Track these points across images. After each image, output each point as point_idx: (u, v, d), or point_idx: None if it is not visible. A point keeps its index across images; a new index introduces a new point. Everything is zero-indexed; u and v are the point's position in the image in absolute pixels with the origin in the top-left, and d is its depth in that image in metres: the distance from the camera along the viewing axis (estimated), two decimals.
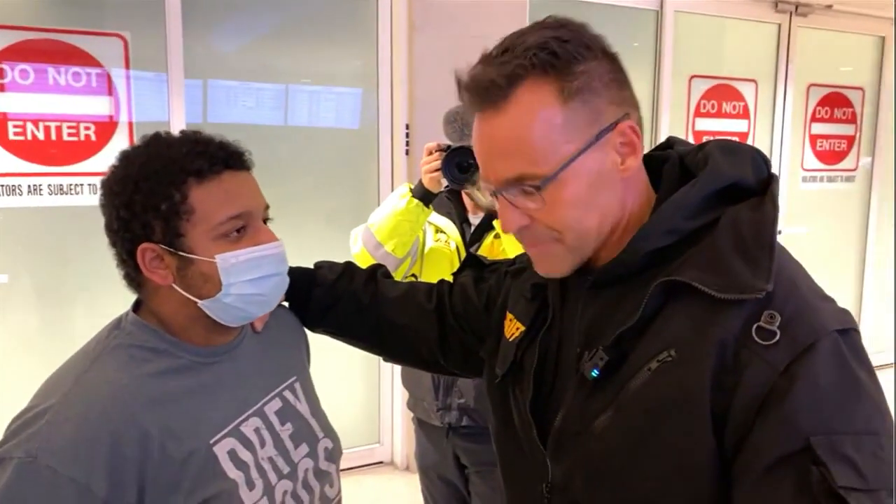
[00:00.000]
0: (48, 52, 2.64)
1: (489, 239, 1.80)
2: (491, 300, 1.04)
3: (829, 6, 4.30)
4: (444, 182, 1.72)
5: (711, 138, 0.83)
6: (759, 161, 0.78)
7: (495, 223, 1.74)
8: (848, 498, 0.59)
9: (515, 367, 0.88)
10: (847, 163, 4.72)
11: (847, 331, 0.67)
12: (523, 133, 0.72)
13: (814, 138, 4.57)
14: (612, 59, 0.76)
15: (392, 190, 3.02)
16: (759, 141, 4.33)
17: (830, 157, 4.65)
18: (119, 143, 2.77)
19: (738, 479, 0.66)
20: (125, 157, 0.91)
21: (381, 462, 3.48)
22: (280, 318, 1.09)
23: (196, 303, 0.90)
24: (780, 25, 4.27)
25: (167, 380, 0.89)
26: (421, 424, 1.94)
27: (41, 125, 2.66)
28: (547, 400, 0.83)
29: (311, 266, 1.18)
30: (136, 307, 0.96)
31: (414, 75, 3.15)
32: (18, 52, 2.60)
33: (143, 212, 0.87)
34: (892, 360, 4.81)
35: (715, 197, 0.75)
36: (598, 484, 0.75)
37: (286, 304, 1.14)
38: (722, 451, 0.67)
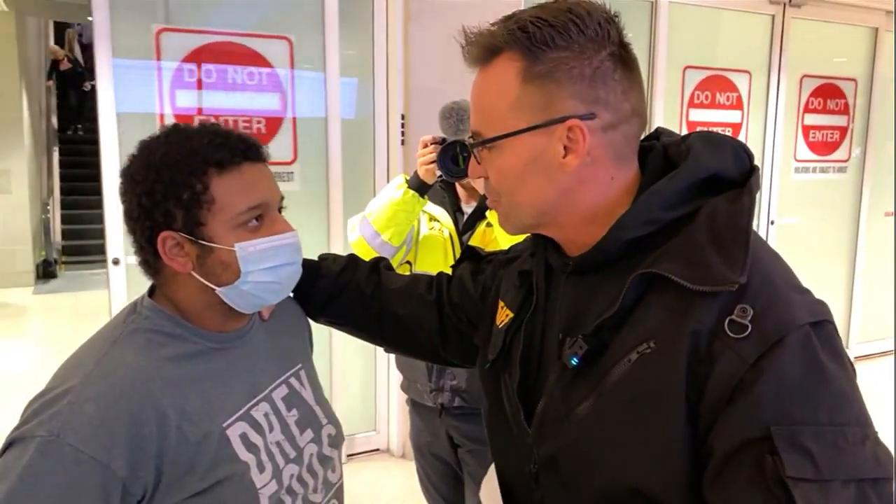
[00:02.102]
0: (228, 53, 2.97)
1: (481, 227, 1.83)
2: (486, 289, 1.07)
3: None
4: (439, 173, 1.75)
5: (704, 129, 0.84)
6: (742, 153, 0.78)
7: (488, 213, 1.77)
8: (793, 489, 0.60)
9: (504, 352, 0.91)
10: (839, 154, 4.74)
11: (820, 323, 0.68)
12: (485, 96, 0.80)
13: (806, 129, 4.59)
14: (602, 58, 0.75)
15: (388, 180, 3.04)
16: (752, 132, 4.36)
17: (823, 147, 4.67)
18: (285, 136, 3.10)
19: (706, 466, 0.68)
20: (146, 147, 0.93)
21: (377, 449, 3.51)
22: (285, 308, 1.12)
23: (213, 290, 0.92)
24: (773, 16, 4.28)
25: (183, 364, 0.92)
26: (414, 405, 1.98)
27: (222, 119, 2.95)
28: (534, 384, 0.86)
29: (315, 257, 1.20)
30: (151, 292, 0.99)
31: (410, 65, 3.15)
32: (204, 54, 2.91)
33: (164, 200, 0.89)
34: (892, 348, 4.86)
35: (695, 188, 0.75)
36: (579, 468, 0.77)
37: (290, 293, 1.17)
38: (696, 440, 0.69)
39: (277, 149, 3.07)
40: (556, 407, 0.80)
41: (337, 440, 1.10)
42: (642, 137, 0.84)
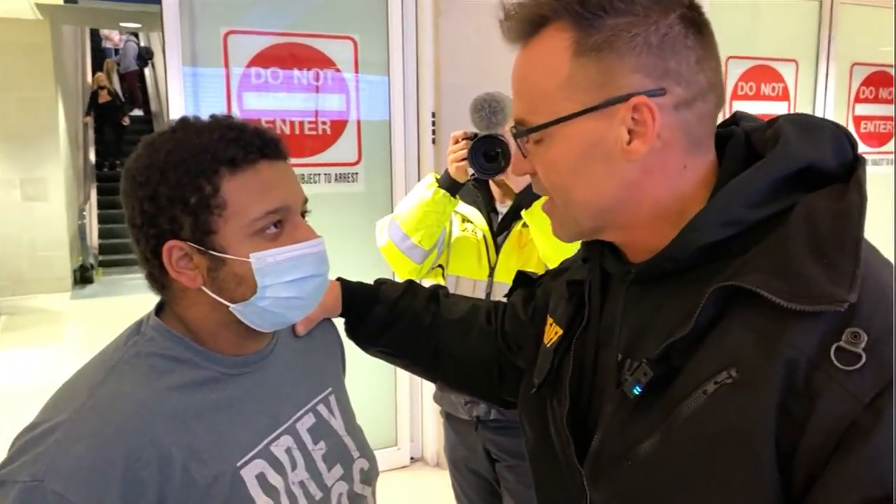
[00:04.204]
0: (293, 55, 2.97)
1: (517, 228, 1.72)
2: (536, 311, 0.96)
3: None
4: (471, 171, 1.64)
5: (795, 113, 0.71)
6: (843, 140, 0.66)
7: (524, 213, 1.66)
8: None
9: (552, 376, 0.80)
10: (893, 145, 4.53)
11: None
12: (529, 77, 0.69)
13: (858, 120, 4.40)
14: (671, 21, 0.63)
15: (418, 179, 2.96)
16: None
17: (875, 139, 4.48)
18: (349, 137, 3.11)
19: None
20: (150, 145, 0.81)
21: (411, 458, 3.44)
22: (316, 324, 1.02)
23: (227, 307, 0.82)
24: (821, 2, 4.10)
25: (191, 394, 0.81)
26: (449, 418, 1.89)
27: (287, 121, 3.00)
28: (586, 413, 0.74)
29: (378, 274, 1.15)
30: (159, 309, 0.88)
31: (440, 63, 3.08)
32: (269, 58, 2.94)
33: (169, 205, 0.78)
34: None
35: (785, 182, 0.63)
36: None
37: (342, 319, 1.10)
38: (788, 490, 0.57)
39: (343, 149, 3.09)
40: (613, 443, 0.68)
41: (370, 475, 0.98)
42: (718, 123, 0.71)
